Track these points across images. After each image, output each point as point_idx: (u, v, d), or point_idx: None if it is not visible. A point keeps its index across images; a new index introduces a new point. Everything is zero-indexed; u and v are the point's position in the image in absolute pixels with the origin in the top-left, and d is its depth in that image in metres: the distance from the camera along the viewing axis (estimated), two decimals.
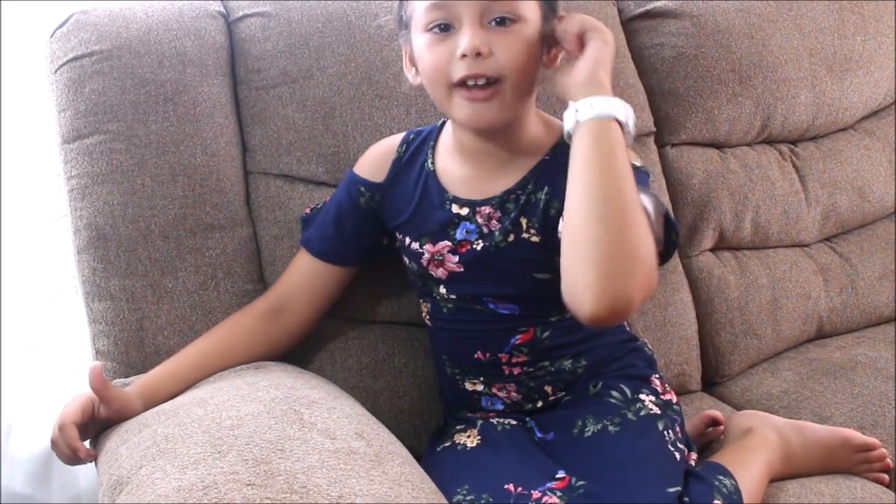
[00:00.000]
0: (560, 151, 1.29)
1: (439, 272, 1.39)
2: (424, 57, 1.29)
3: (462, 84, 1.26)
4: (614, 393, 1.39)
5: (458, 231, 1.37)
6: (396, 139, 1.47)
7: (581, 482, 1.26)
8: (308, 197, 1.57)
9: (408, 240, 1.42)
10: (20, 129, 1.83)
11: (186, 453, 1.10)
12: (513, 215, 1.34)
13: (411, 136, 1.46)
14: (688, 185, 1.81)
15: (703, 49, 1.83)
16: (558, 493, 1.25)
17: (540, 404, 1.42)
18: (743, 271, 1.83)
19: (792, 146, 1.95)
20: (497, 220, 1.35)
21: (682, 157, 1.83)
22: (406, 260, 1.44)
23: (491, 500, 1.26)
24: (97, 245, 1.47)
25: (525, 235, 1.34)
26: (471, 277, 1.37)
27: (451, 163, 1.40)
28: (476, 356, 1.40)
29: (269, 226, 1.57)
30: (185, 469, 1.06)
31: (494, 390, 1.43)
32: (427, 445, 1.46)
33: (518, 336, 1.38)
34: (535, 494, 1.25)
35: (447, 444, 1.42)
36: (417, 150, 1.44)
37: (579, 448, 1.33)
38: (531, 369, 1.40)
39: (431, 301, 1.43)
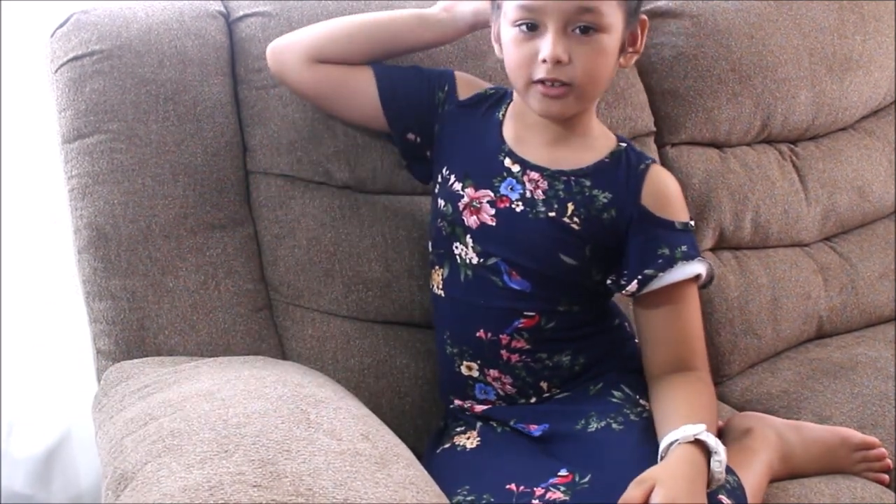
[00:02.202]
0: (620, 161, 1.40)
1: (471, 220, 1.41)
2: (510, 50, 1.36)
3: (539, 81, 1.33)
4: (615, 392, 1.40)
5: (503, 186, 1.40)
6: (486, 84, 1.52)
7: (585, 479, 1.26)
8: (309, 196, 1.57)
9: (452, 178, 1.44)
10: (20, 128, 1.83)
11: (193, 451, 1.09)
12: (561, 196, 1.38)
13: (492, 90, 1.50)
14: (688, 185, 1.81)
15: (703, 49, 1.83)
16: (562, 489, 1.26)
17: (533, 400, 1.43)
18: (743, 271, 1.83)
19: (792, 146, 1.96)
20: (543, 192, 1.39)
21: (682, 157, 1.83)
22: (441, 203, 1.45)
23: (492, 500, 1.27)
24: (98, 245, 1.47)
25: (566, 220, 1.38)
26: (499, 235, 1.39)
27: (516, 123, 1.44)
28: (478, 334, 1.41)
29: (271, 225, 1.56)
30: (190, 468, 1.06)
31: (489, 378, 1.43)
32: (427, 447, 1.46)
33: (522, 320, 1.39)
34: (538, 491, 1.26)
35: (447, 446, 1.42)
36: (497, 101, 1.48)
37: (582, 444, 1.34)
38: (529, 359, 1.41)
39: (451, 265, 1.44)
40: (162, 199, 1.49)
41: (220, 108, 1.56)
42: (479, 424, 1.43)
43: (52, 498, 1.91)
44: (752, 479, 1.37)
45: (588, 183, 1.39)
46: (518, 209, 1.39)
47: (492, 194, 1.40)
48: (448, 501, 1.21)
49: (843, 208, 1.95)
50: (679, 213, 1.41)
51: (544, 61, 1.31)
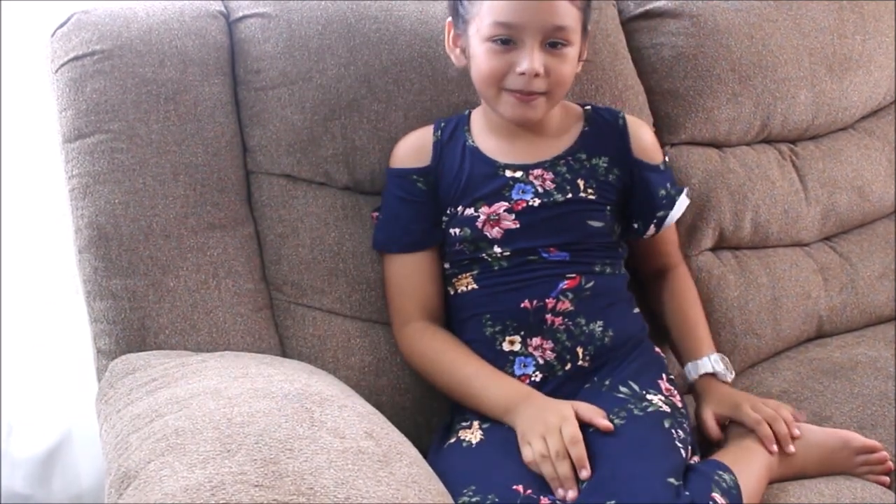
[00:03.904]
0: (597, 123, 1.56)
1: (494, 232, 1.49)
2: (483, 62, 1.44)
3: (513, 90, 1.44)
4: (623, 388, 1.42)
5: (514, 192, 1.50)
6: (427, 128, 1.58)
7: (585, 475, 1.29)
8: (311, 196, 1.58)
9: (461, 209, 1.51)
10: (21, 128, 1.83)
11: (196, 450, 1.09)
12: (569, 177, 1.51)
13: (441, 123, 1.58)
14: (687, 185, 1.80)
15: (703, 49, 1.83)
16: (572, 492, 1.29)
17: (568, 367, 1.46)
18: (743, 271, 1.83)
19: (792, 146, 1.95)
20: (551, 181, 1.50)
21: (682, 157, 1.83)
22: (456, 232, 1.50)
23: (497, 500, 1.27)
24: (98, 244, 1.47)
25: (582, 194, 1.50)
26: (526, 232, 1.49)
27: (490, 139, 1.54)
28: (523, 305, 1.47)
29: (274, 224, 1.57)
30: (193, 467, 1.06)
31: (531, 349, 1.47)
32: (434, 442, 1.47)
33: (566, 281, 1.48)
34: (544, 501, 1.28)
35: (452, 441, 1.43)
36: (452, 133, 1.56)
37: (585, 439, 1.34)
38: (570, 323, 1.46)
39: (481, 266, 1.50)
40: (163, 198, 1.49)
41: (221, 107, 1.56)
42: (487, 424, 1.43)
43: (53, 498, 1.91)
44: (751, 478, 1.37)
45: (584, 156, 1.53)
46: (536, 203, 1.49)
47: (507, 203, 1.49)
48: (451, 500, 1.22)
49: (843, 208, 1.95)
50: (659, 153, 1.60)
51: (522, 74, 1.41)
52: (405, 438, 1.27)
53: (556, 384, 1.46)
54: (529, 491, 1.28)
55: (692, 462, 1.38)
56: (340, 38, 1.59)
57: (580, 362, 1.46)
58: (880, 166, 1.99)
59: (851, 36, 1.95)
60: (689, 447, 1.39)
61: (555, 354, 1.46)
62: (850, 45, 1.95)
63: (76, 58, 1.50)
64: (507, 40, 1.41)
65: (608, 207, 1.51)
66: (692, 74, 1.82)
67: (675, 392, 1.48)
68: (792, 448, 1.44)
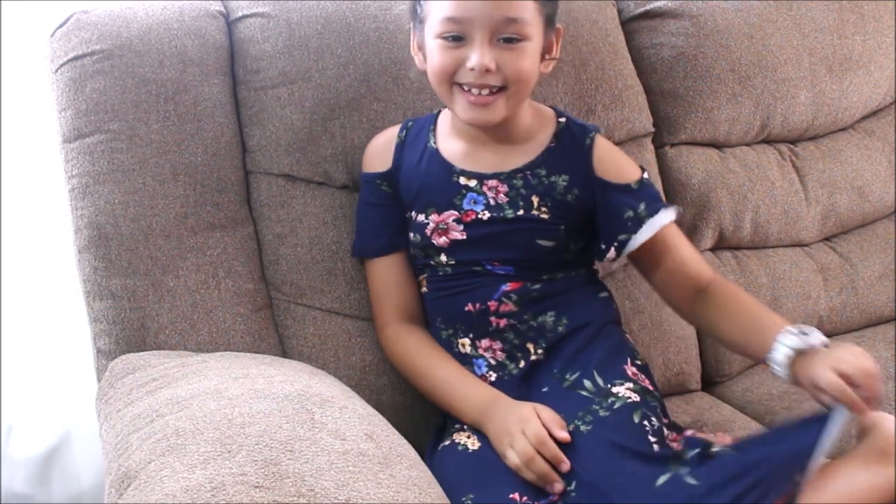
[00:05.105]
0: (564, 139, 1.47)
1: (441, 241, 1.46)
2: (434, 58, 1.40)
3: (465, 89, 1.39)
4: (587, 383, 1.39)
5: (465, 201, 1.46)
6: (394, 128, 1.56)
7: (571, 486, 1.29)
8: (311, 195, 1.58)
9: (414, 214, 1.49)
10: (20, 128, 1.83)
11: (196, 451, 1.09)
12: (523, 192, 1.45)
13: (409, 123, 1.55)
14: (687, 185, 1.81)
15: (703, 49, 1.83)
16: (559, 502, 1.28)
17: (522, 364, 1.44)
18: (743, 271, 1.83)
19: (792, 146, 1.95)
20: (505, 195, 1.45)
21: (682, 157, 1.83)
22: (411, 235, 1.50)
23: None
24: (98, 244, 1.47)
25: (535, 212, 1.44)
26: (472, 245, 1.45)
27: (453, 142, 1.49)
28: (467, 308, 1.45)
29: (273, 224, 1.57)
30: (193, 468, 1.06)
31: (481, 350, 1.45)
32: (429, 445, 1.47)
33: (508, 284, 1.45)
34: None
35: (447, 443, 1.42)
36: (418, 133, 1.53)
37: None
38: (515, 322, 1.44)
39: (430, 270, 1.50)
40: (162, 198, 1.49)
41: (221, 107, 1.56)
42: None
43: (52, 498, 1.91)
44: (845, 486, 1.24)
45: (543, 172, 1.45)
46: (485, 217, 1.44)
47: (456, 213, 1.46)
48: (449, 502, 1.22)
49: (843, 208, 1.95)
50: (631, 173, 1.49)
51: (472, 69, 1.36)
52: (405, 441, 1.26)
53: (514, 383, 1.44)
54: (525, 498, 1.28)
55: (674, 445, 1.35)
56: (340, 37, 1.59)
57: (533, 357, 1.44)
58: (880, 167, 1.99)
59: (851, 36, 1.95)
60: (666, 432, 1.36)
61: (505, 354, 1.45)
62: (850, 45, 1.95)
63: (76, 58, 1.50)
64: (457, 37, 1.37)
65: (562, 227, 1.44)
66: (692, 75, 1.82)
67: (644, 376, 1.44)
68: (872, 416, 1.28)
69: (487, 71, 1.36)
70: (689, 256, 1.51)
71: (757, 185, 1.86)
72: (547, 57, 1.45)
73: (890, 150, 2.01)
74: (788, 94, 1.88)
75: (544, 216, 1.44)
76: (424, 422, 1.54)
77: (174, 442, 1.12)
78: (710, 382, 1.80)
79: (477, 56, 1.35)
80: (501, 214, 1.44)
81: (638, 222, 1.45)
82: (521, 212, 1.44)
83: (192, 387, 1.26)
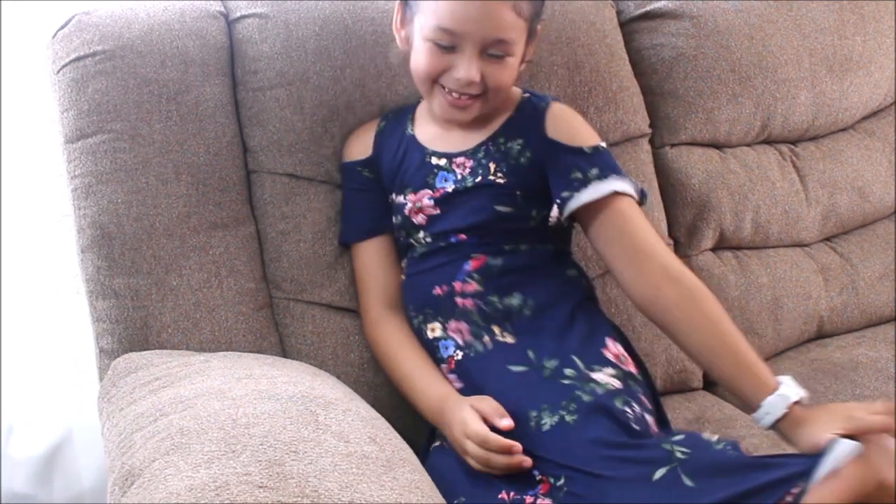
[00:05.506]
0: (524, 109, 1.51)
1: (419, 218, 1.50)
2: (421, 58, 1.44)
3: (447, 90, 1.44)
4: (567, 371, 1.37)
5: (437, 180, 1.50)
6: (374, 120, 1.60)
7: (560, 481, 1.27)
8: (314, 192, 1.59)
9: (394, 196, 1.54)
10: (22, 129, 1.83)
11: (200, 450, 1.09)
12: (483, 162, 1.48)
13: (389, 113, 1.60)
14: (688, 186, 1.81)
15: (703, 49, 1.83)
16: (548, 500, 1.28)
17: (488, 343, 1.43)
18: (743, 271, 1.83)
19: (792, 146, 1.96)
20: (470, 168, 1.49)
21: (682, 158, 1.83)
22: (394, 219, 1.54)
23: None
24: (101, 244, 1.47)
25: (491, 177, 1.47)
26: (444, 216, 1.49)
27: (427, 127, 1.54)
28: (435, 292, 1.47)
29: (276, 221, 1.57)
30: (197, 467, 1.06)
31: (450, 332, 1.46)
32: (423, 445, 1.46)
33: (470, 262, 1.46)
34: (528, 499, 1.28)
35: (437, 444, 1.43)
36: (396, 122, 1.58)
37: (542, 444, 1.31)
38: (481, 302, 1.44)
39: (410, 251, 1.52)
40: (165, 198, 1.49)
41: (222, 107, 1.56)
42: None
43: (53, 498, 1.91)
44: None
45: (502, 139, 1.49)
46: (451, 190, 1.48)
47: (430, 191, 1.50)
48: None
49: (844, 209, 1.95)
50: (586, 138, 1.49)
51: (458, 79, 1.41)
52: (407, 445, 1.26)
53: (479, 360, 1.43)
54: (513, 493, 1.29)
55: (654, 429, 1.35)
56: (337, 39, 1.59)
57: (499, 338, 1.44)
58: (881, 167, 2.00)
59: (851, 37, 1.95)
60: (647, 418, 1.36)
61: (472, 336, 1.45)
62: (850, 45, 1.95)
63: (78, 58, 1.50)
64: (447, 46, 1.40)
65: (518, 192, 1.46)
66: (692, 75, 1.82)
67: (627, 357, 1.44)
68: None
69: (471, 83, 1.41)
70: (650, 240, 1.44)
71: (757, 185, 1.86)
72: (524, 61, 1.49)
73: (890, 151, 2.01)
74: (789, 95, 1.89)
75: (500, 181, 1.46)
76: (422, 420, 1.53)
77: (178, 441, 1.12)
78: (712, 381, 1.79)
79: (464, 69, 1.40)
80: (464, 185, 1.47)
81: (584, 182, 1.44)
82: (479, 179, 1.47)
83: (195, 386, 1.26)
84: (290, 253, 1.57)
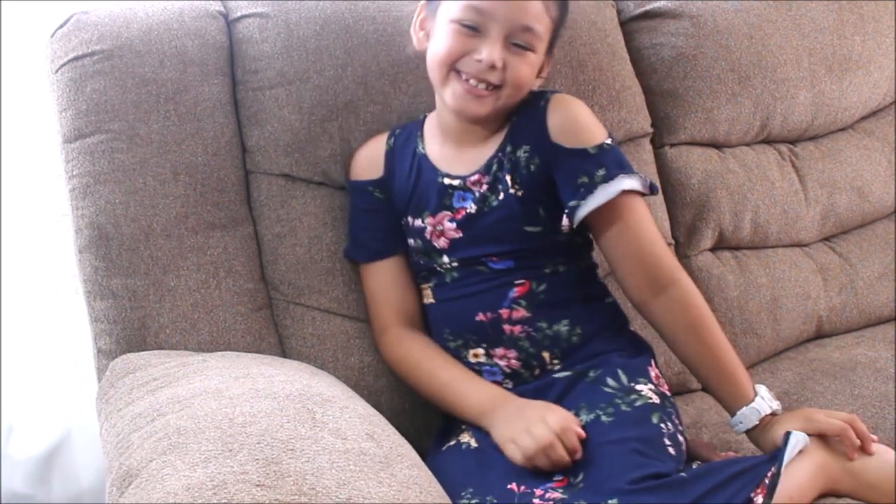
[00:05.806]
0: (524, 110, 1.46)
1: (441, 242, 1.47)
2: (443, 41, 1.42)
3: (464, 78, 1.41)
4: (610, 381, 1.40)
5: (455, 200, 1.47)
6: (382, 136, 1.57)
7: (578, 478, 1.28)
8: (310, 195, 1.58)
9: (411, 219, 1.51)
10: (20, 128, 1.83)
11: (198, 449, 1.09)
12: (499, 175, 1.45)
13: (397, 130, 1.57)
14: (687, 186, 1.81)
15: (703, 49, 1.83)
16: (560, 490, 1.27)
17: (538, 372, 1.44)
18: (742, 271, 1.83)
19: (791, 146, 1.95)
20: (487, 185, 1.46)
21: (682, 158, 1.83)
22: (412, 242, 1.51)
23: (495, 501, 1.27)
24: (99, 244, 1.47)
25: (511, 191, 1.44)
26: (469, 240, 1.46)
27: (437, 145, 1.51)
28: (478, 318, 1.45)
29: (272, 224, 1.57)
30: (195, 466, 1.06)
31: (496, 358, 1.45)
32: (432, 445, 1.47)
33: (515, 289, 1.44)
34: (538, 492, 1.27)
35: (452, 443, 1.43)
36: (406, 140, 1.54)
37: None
38: (530, 329, 1.43)
39: (436, 277, 1.50)
40: (163, 198, 1.49)
41: (221, 107, 1.56)
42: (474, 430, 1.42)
43: (53, 498, 1.91)
44: (798, 474, 1.30)
45: (510, 148, 1.46)
46: (473, 210, 1.46)
47: (449, 213, 1.47)
48: (451, 502, 1.22)
49: (843, 208, 1.95)
50: (589, 137, 1.44)
51: (479, 61, 1.38)
52: (405, 441, 1.27)
53: (529, 393, 1.43)
54: (523, 487, 1.28)
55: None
56: (338, 38, 1.59)
57: (548, 366, 1.44)
58: (880, 167, 2.00)
59: (851, 36, 1.95)
60: (679, 438, 1.37)
61: (520, 363, 1.44)
62: (849, 45, 1.95)
63: (76, 58, 1.50)
64: (473, 27, 1.39)
65: (540, 207, 1.43)
66: (692, 75, 1.82)
67: (663, 381, 1.46)
68: (874, 449, 1.35)
69: (492, 67, 1.38)
70: (649, 244, 1.44)
71: (757, 185, 1.86)
72: (540, 74, 1.48)
73: (890, 150, 2.01)
74: (788, 95, 1.88)
75: (519, 193, 1.44)
76: (424, 425, 1.54)
77: (175, 441, 1.12)
78: None
79: (488, 51, 1.38)
80: (486, 203, 1.45)
81: (590, 188, 1.40)
82: (501, 195, 1.44)
83: (193, 386, 1.26)
84: (286, 256, 1.56)
